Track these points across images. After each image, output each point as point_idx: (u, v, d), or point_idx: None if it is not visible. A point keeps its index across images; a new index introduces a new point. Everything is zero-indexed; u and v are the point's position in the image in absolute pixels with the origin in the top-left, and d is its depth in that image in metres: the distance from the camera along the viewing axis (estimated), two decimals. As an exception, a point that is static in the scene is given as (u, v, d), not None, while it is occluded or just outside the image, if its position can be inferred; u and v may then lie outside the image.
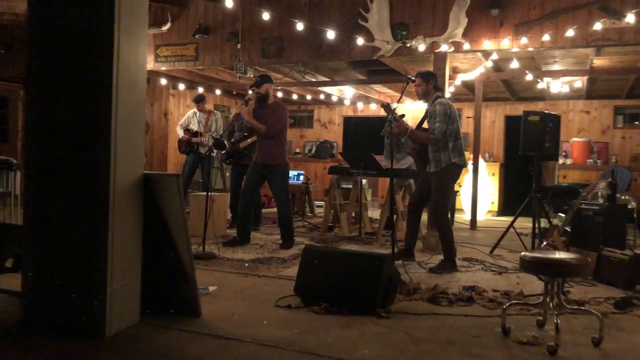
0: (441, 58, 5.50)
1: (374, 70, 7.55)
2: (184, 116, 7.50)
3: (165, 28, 6.70)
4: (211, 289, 3.71)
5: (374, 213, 7.77)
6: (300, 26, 5.75)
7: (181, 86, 8.22)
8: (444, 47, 5.39)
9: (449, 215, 7.85)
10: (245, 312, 3.26)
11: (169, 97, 9.34)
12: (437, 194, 4.64)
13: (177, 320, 3.01)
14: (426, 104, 4.89)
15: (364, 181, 6.93)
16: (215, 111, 7.63)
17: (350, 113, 11.40)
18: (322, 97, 9.96)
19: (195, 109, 7.37)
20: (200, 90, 8.11)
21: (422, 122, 4.80)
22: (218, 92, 9.13)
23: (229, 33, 6.29)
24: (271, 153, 5.34)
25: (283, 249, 5.34)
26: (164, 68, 6.96)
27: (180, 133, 7.27)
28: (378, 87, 9.59)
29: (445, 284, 4.06)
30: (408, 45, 5.41)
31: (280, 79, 8.52)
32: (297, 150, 11.73)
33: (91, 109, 2.77)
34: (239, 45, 6.12)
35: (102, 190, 2.71)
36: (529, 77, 6.94)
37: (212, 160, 7.08)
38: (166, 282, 3.12)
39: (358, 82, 8.24)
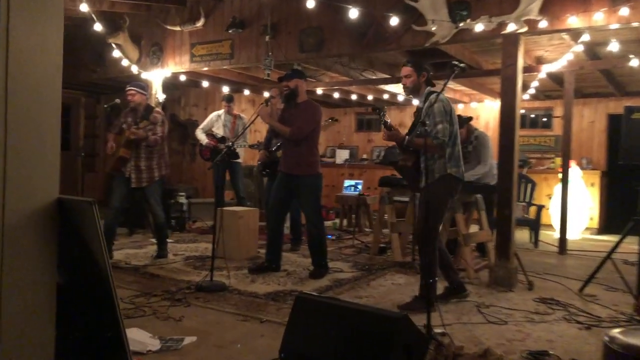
0: (512, 42, 4.32)
1: (439, 63, 6.44)
2: (206, 119, 6.82)
3: (199, 24, 6.07)
4: (187, 340, 2.91)
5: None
6: (343, 12, 4.83)
7: (225, 88, 7.60)
8: (510, 27, 4.21)
9: (534, 234, 6.56)
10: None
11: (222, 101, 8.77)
12: (427, 212, 3.46)
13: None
14: (414, 100, 3.85)
15: (478, 196, 4.99)
16: (241, 115, 6.90)
17: (423, 114, 10.23)
18: (385, 96, 8.93)
19: (219, 112, 6.68)
20: (226, 90, 7.45)
21: (413, 126, 3.70)
22: (266, 94, 8.41)
23: (262, 25, 5.51)
24: (298, 161, 4.48)
25: (312, 278, 4.44)
26: (206, 68, 6.31)
27: (203, 138, 6.58)
28: (451, 85, 8.38)
29: (505, 345, 2.96)
30: (468, 28, 4.30)
31: (337, 77, 7.66)
32: (365, 156, 10.76)
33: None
34: (267, 38, 5.30)
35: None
36: (635, 62, 5.48)
37: (240, 168, 6.38)
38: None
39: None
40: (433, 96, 3.55)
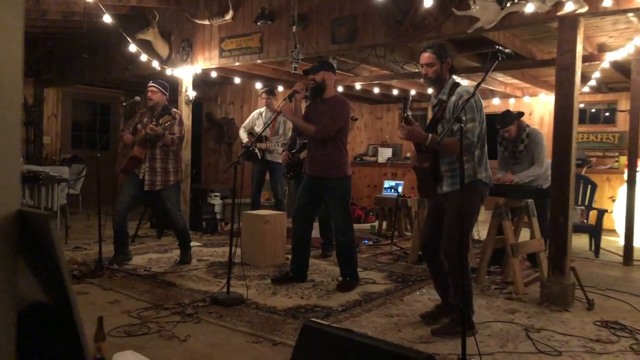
0: (569, 25, 3.75)
1: (486, 53, 5.88)
2: (248, 117, 6.50)
3: (228, 17, 5.76)
4: (185, 367, 2.58)
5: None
6: None
7: (258, 85, 7.29)
8: (568, 7, 3.64)
9: (594, 241, 5.89)
10: None
11: (258, 98, 8.49)
12: (456, 225, 2.96)
13: None
14: (433, 93, 3.33)
15: (529, 201, 4.44)
16: (295, 101, 6.50)
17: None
18: (430, 91, 8.35)
19: (261, 109, 6.34)
20: (259, 87, 7.08)
21: (434, 123, 3.18)
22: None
23: (291, 15, 5.14)
24: (325, 162, 4.08)
25: (340, 291, 4.04)
26: (237, 63, 5.99)
27: (244, 137, 6.27)
28: (502, 77, 7.76)
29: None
30: (517, 10, 3.77)
31: (376, 71, 7.20)
32: (408, 154, 10.23)
33: None
34: (294, 28, 4.92)
35: None
36: None
37: (280, 169, 6.00)
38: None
39: (469, 71, 6.59)
40: (461, 89, 3.09)
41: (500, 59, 2.79)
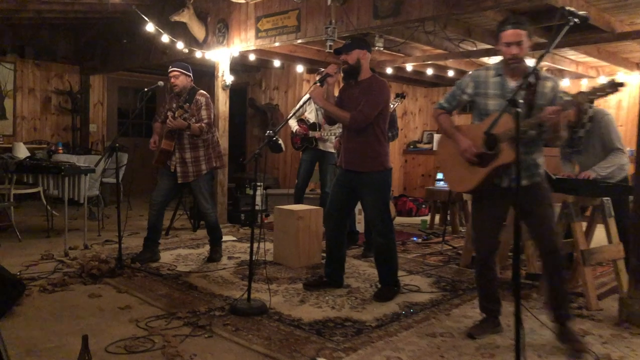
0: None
1: (549, 26, 5.12)
2: (298, 103, 6.02)
3: (262, -6, 5.34)
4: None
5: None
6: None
7: (299, 68, 6.82)
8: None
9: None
10: None
11: (303, 82, 8.05)
12: (552, 222, 2.83)
13: None
14: (489, 69, 2.85)
15: (605, 200, 3.68)
16: (327, 85, 5.97)
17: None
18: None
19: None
20: (300, 71, 6.61)
21: (529, 109, 2.64)
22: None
23: (330, -12, 4.62)
24: (361, 154, 3.57)
25: (377, 300, 3.54)
26: (277, 44, 5.53)
27: (294, 125, 5.79)
28: (573, 55, 6.87)
29: None
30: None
31: (430, 50, 6.57)
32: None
33: None
34: (329, 1, 4.39)
35: None
36: None
37: (331, 159, 5.52)
38: None
39: (536, 48, 5.82)
40: (545, 74, 2.76)
41: (571, 23, 2.17)
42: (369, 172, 3.57)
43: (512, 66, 2.72)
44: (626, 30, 5.16)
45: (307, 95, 5.76)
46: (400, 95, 4.95)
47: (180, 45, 6.01)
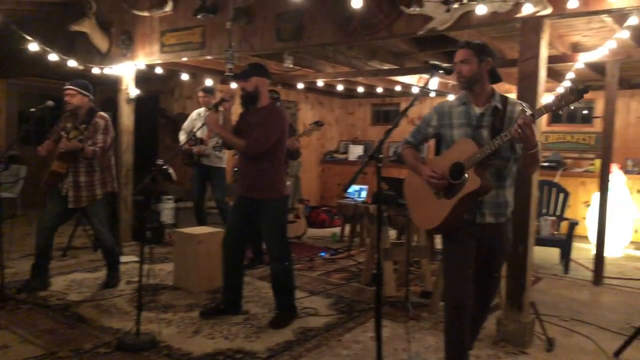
0: (532, 28, 3.27)
1: (451, 51, 5.39)
2: (188, 118, 5.96)
3: (168, 9, 5.21)
4: None
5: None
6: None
7: (209, 81, 6.75)
8: (527, 9, 3.15)
9: (566, 254, 5.48)
10: None
11: (216, 92, 7.92)
12: (499, 280, 2.79)
13: None
14: (453, 99, 2.76)
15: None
16: (223, 111, 5.97)
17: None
18: (398, 88, 7.88)
19: (200, 109, 5.78)
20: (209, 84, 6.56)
21: (496, 133, 2.54)
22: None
23: (233, 9, 4.59)
24: (258, 181, 3.59)
25: (273, 328, 3.57)
26: (185, 59, 5.41)
27: (183, 140, 5.70)
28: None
29: None
30: (469, 10, 3.28)
31: (340, 68, 6.69)
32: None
33: None
34: (228, 25, 4.37)
35: None
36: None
37: (221, 175, 5.54)
38: None
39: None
40: (514, 99, 2.71)
41: (434, 74, 2.30)
42: (265, 199, 3.59)
43: (460, 85, 2.65)
44: (516, 57, 5.50)
45: (201, 109, 5.73)
46: (319, 123, 5.06)
47: (72, 63, 5.74)
